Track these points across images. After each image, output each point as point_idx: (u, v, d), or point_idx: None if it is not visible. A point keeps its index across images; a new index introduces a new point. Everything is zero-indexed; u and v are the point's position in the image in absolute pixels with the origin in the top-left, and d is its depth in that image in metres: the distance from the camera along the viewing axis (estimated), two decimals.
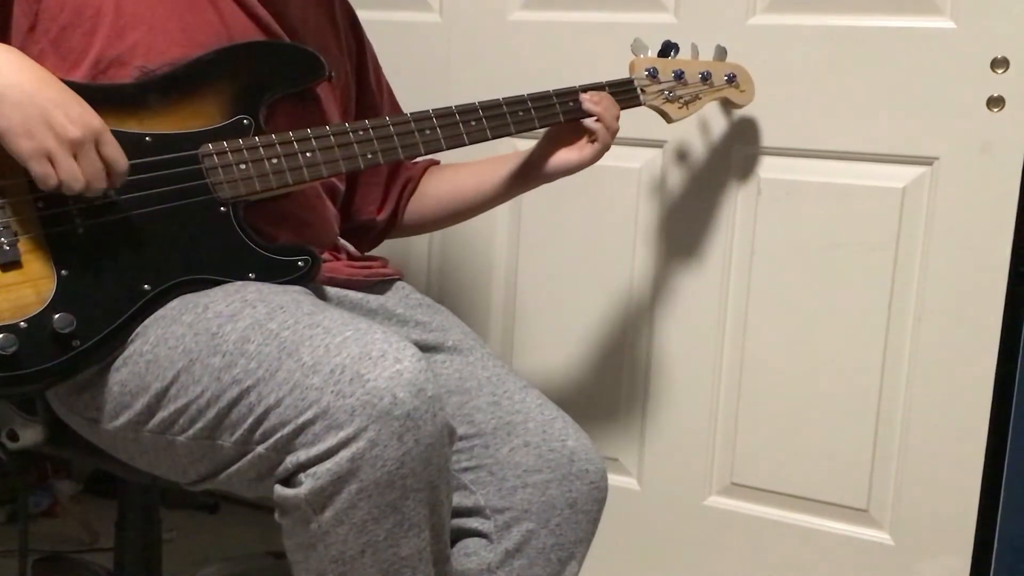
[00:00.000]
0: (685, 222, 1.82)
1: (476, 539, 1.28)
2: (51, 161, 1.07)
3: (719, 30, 1.72)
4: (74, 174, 1.08)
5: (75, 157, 1.08)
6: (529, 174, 1.49)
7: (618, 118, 1.45)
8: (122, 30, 1.23)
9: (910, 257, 1.67)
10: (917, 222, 1.66)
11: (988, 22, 1.57)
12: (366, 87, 1.54)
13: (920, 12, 1.62)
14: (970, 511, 1.69)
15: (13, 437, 1.32)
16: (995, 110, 1.59)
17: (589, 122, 1.44)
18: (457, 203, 1.56)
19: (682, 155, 1.80)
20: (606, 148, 1.45)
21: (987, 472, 1.68)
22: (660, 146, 1.82)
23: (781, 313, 1.77)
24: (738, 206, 1.78)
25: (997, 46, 1.57)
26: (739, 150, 1.77)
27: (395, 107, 1.60)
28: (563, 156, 1.46)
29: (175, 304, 1.16)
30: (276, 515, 1.07)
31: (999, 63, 1.57)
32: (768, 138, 1.74)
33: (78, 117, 1.09)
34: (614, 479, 1.88)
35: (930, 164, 1.65)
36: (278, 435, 1.03)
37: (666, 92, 1.53)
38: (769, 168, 1.75)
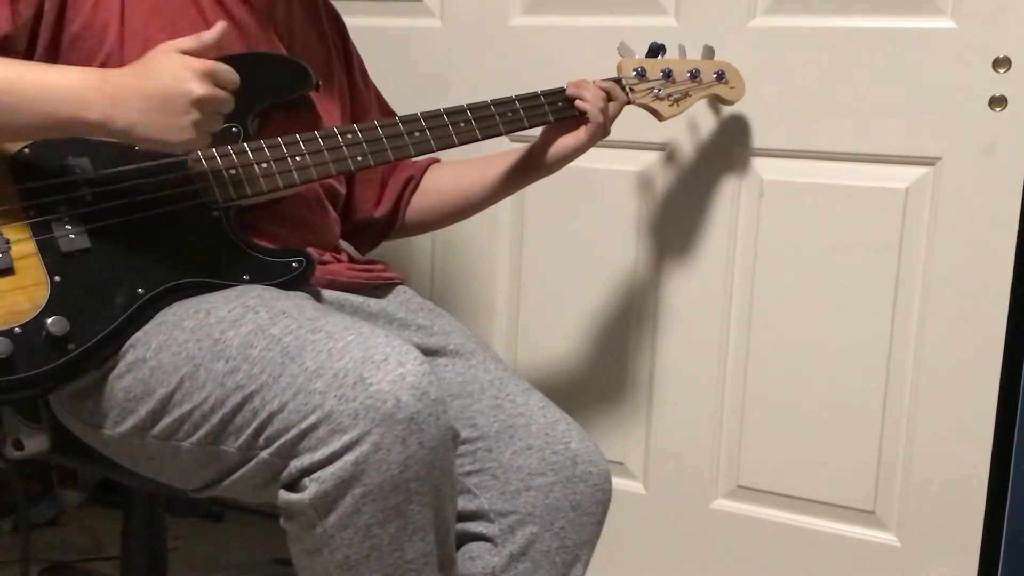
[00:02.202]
0: (687, 225, 1.82)
1: (480, 543, 1.28)
2: (206, 131, 1.11)
3: (720, 32, 1.72)
4: (219, 123, 1.12)
5: (212, 105, 1.10)
6: (531, 166, 1.51)
7: (606, 99, 1.48)
8: (123, 43, 1.24)
9: (914, 258, 1.67)
10: (920, 223, 1.66)
11: (989, 21, 1.57)
12: (355, 88, 1.55)
13: (921, 12, 1.62)
14: (976, 512, 1.69)
15: (18, 446, 1.32)
16: (997, 109, 1.59)
17: (579, 104, 1.46)
18: (461, 199, 1.57)
19: (683, 158, 1.80)
20: (601, 130, 1.48)
21: (993, 473, 1.67)
22: (661, 149, 1.82)
23: (785, 315, 1.77)
24: (740, 208, 1.78)
25: (999, 46, 1.57)
26: (741, 152, 1.77)
27: (384, 107, 1.61)
28: (560, 143, 1.48)
29: (176, 310, 1.16)
30: (281, 520, 1.07)
31: (1001, 62, 1.57)
32: (770, 140, 1.73)
33: (183, 77, 1.08)
34: (619, 483, 1.88)
35: (933, 164, 1.64)
36: (282, 440, 1.03)
37: (655, 90, 1.55)
38: (771, 170, 1.75)
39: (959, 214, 1.63)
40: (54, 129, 1.10)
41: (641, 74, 1.54)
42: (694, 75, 1.58)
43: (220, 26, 1.14)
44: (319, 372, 1.02)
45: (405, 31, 1.98)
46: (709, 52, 1.62)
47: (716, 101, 1.69)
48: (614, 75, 1.54)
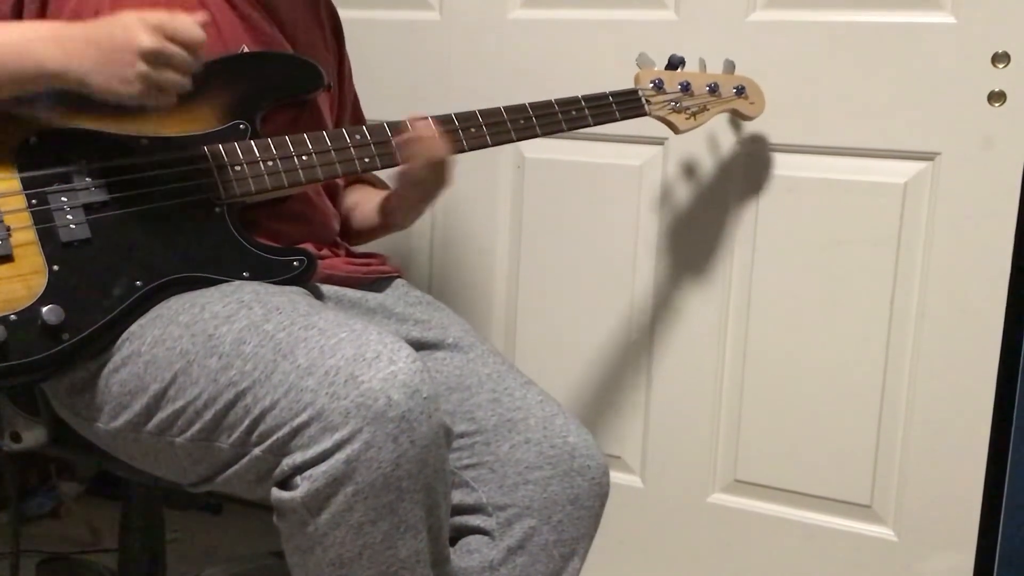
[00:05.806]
0: (686, 219, 1.82)
1: (478, 536, 1.28)
2: (154, 84, 1.08)
3: (719, 27, 1.72)
4: (174, 80, 1.09)
5: (162, 58, 1.08)
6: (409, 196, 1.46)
7: (435, 160, 1.36)
8: None
9: (912, 253, 1.67)
10: (919, 217, 1.66)
11: (989, 17, 1.57)
12: (342, 88, 1.55)
13: (920, 7, 1.61)
14: (973, 506, 1.69)
15: (16, 438, 1.32)
16: (996, 105, 1.58)
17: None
18: (353, 223, 1.55)
19: (683, 152, 1.80)
20: (412, 184, 1.40)
21: (990, 467, 1.67)
22: (661, 143, 1.81)
23: (783, 309, 1.77)
24: (739, 203, 1.78)
25: (998, 40, 1.57)
26: (740, 147, 1.76)
27: (357, 112, 1.60)
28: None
29: (172, 304, 1.16)
30: (274, 518, 1.08)
31: (1000, 58, 1.57)
32: (769, 134, 1.73)
33: (132, 27, 1.08)
34: (617, 477, 1.89)
35: (931, 159, 1.64)
36: (274, 437, 1.03)
37: (672, 103, 1.53)
38: (770, 164, 1.75)
39: (957, 209, 1.63)
40: (23, 82, 1.11)
41: (659, 86, 1.52)
42: (713, 89, 1.57)
43: (201, 17, 1.13)
44: (311, 369, 1.02)
45: (404, 24, 1.98)
46: (730, 67, 1.61)
47: (735, 116, 1.67)
48: (625, 71, 1.52)
